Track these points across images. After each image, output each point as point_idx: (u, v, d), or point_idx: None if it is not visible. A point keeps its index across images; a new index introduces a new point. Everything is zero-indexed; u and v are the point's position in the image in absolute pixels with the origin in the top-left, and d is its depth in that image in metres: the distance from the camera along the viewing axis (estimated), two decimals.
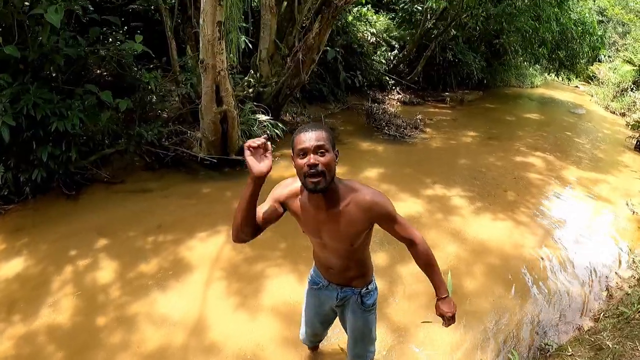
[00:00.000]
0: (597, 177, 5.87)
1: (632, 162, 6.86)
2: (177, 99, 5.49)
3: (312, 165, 1.34)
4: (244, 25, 6.32)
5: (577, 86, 16.99)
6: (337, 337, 2.43)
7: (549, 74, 15.60)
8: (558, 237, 4.04)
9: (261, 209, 1.51)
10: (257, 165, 1.35)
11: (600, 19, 14.26)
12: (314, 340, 2.20)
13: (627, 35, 14.35)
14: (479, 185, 5.13)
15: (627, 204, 4.90)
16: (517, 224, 4.18)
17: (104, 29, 4.88)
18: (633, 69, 11.35)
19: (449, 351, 2.53)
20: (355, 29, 9.19)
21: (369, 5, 9.85)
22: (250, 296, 2.91)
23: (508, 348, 2.59)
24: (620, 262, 3.71)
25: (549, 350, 2.56)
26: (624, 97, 11.41)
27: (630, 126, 9.26)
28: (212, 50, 4.07)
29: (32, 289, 2.86)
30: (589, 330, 2.72)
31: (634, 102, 10.58)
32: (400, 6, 10.09)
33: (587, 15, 10.92)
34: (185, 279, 3.04)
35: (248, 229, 1.46)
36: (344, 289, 1.75)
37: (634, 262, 3.67)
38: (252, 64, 6.53)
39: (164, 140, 5.00)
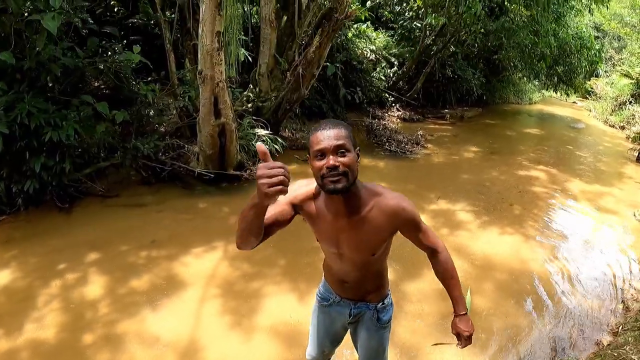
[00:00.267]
0: (601, 189, 5.83)
1: (635, 174, 6.84)
2: (174, 112, 5.42)
3: (332, 167, 1.18)
4: (244, 38, 6.32)
5: (574, 102, 17.14)
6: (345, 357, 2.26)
7: (547, 90, 15.74)
8: (567, 250, 3.93)
9: (270, 211, 1.30)
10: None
11: (597, 34, 14.48)
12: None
13: (623, 50, 14.55)
14: (484, 200, 5.01)
15: (634, 215, 4.83)
16: (525, 238, 4.05)
17: (103, 42, 4.87)
18: (631, 83, 11.44)
19: None
20: (354, 45, 9.27)
21: (369, 22, 9.96)
22: (247, 315, 2.74)
23: None
24: (631, 273, 3.59)
25: None
26: (622, 110, 11.48)
27: (630, 139, 9.28)
28: (210, 61, 4.02)
29: (18, 302, 2.73)
30: (609, 344, 2.59)
31: (633, 115, 10.64)
32: (400, 23, 10.22)
33: (584, 29, 11.08)
34: (178, 297, 2.87)
35: (254, 238, 1.26)
36: (358, 305, 1.58)
37: None
38: (251, 78, 6.51)
39: (160, 154, 4.91)
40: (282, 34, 6.23)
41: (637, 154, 7.84)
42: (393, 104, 10.03)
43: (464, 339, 1.47)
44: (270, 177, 0.99)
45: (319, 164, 1.20)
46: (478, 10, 7.77)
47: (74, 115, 3.94)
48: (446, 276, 1.48)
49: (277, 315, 2.74)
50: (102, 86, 5.21)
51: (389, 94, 9.89)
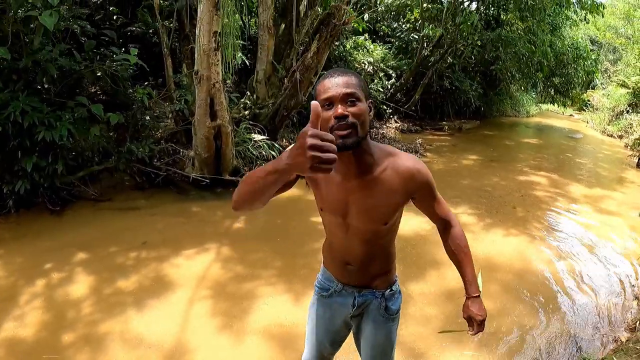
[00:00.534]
0: (603, 192, 5.81)
1: (636, 178, 6.83)
2: (170, 116, 5.37)
3: (341, 117, 1.05)
4: (242, 42, 6.33)
5: (571, 114, 17.29)
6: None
7: (544, 103, 15.84)
8: (574, 250, 3.82)
9: None
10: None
11: (592, 47, 14.68)
12: None
13: (619, 61, 14.73)
14: (486, 203, 4.92)
15: (639, 215, 4.73)
16: (531, 239, 3.94)
17: (101, 50, 4.86)
18: (627, 92, 11.54)
19: None
20: (352, 57, 9.34)
21: (366, 34, 10.07)
22: (239, 317, 2.58)
23: None
24: None
25: None
26: (619, 120, 11.58)
27: (629, 146, 9.32)
28: (207, 61, 3.98)
29: (0, 301, 2.60)
30: (628, 340, 2.45)
31: (631, 124, 10.70)
32: (397, 35, 10.33)
33: (580, 40, 11.23)
34: (166, 298, 2.73)
35: (260, 204, 1.09)
36: (363, 292, 1.38)
37: None
38: (248, 85, 6.49)
39: (155, 160, 4.83)
40: (280, 41, 6.25)
41: (637, 160, 7.86)
42: (391, 116, 10.04)
43: (477, 325, 1.30)
44: (323, 151, 0.77)
45: (326, 114, 1.06)
46: (475, 21, 7.85)
47: (68, 117, 3.88)
48: (459, 252, 1.34)
49: (271, 317, 2.59)
50: (99, 92, 5.19)
51: (387, 106, 9.90)
